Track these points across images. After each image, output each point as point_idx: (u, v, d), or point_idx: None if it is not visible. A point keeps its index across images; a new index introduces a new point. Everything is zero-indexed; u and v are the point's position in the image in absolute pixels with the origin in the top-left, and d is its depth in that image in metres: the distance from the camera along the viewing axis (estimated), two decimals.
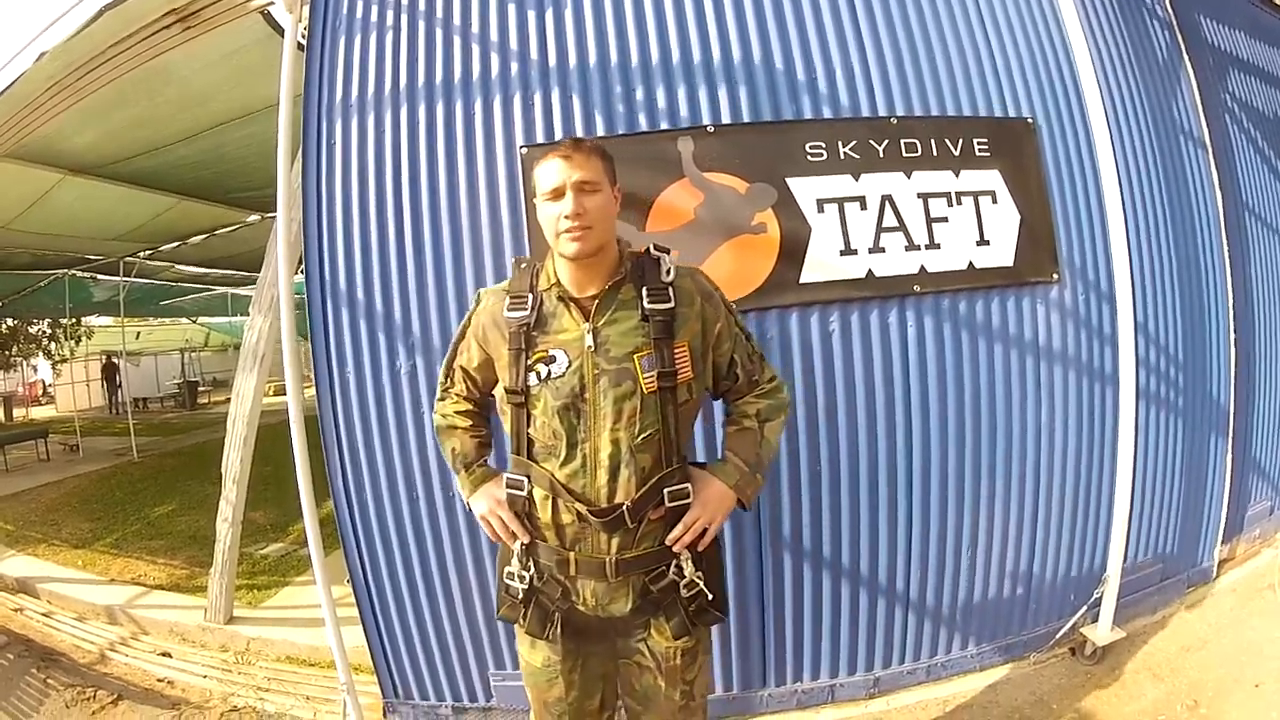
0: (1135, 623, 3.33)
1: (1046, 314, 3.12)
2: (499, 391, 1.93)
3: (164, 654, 4.16)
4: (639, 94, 2.89)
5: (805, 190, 2.87)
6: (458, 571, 3.00)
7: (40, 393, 23.51)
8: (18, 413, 19.57)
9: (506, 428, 1.91)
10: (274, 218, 3.13)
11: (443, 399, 2.11)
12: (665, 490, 1.81)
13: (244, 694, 3.65)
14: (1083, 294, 3.18)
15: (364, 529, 3.04)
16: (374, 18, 3.03)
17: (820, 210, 2.88)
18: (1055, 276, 3.13)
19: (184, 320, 19.85)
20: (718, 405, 2.23)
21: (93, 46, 3.85)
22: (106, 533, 6.64)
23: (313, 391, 3.04)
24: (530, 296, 1.86)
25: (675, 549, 1.83)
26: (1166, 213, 3.45)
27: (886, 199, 2.93)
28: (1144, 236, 3.36)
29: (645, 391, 1.78)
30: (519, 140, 2.87)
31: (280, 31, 3.41)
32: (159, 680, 3.87)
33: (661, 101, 2.90)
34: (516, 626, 1.99)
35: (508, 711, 3.10)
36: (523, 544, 1.89)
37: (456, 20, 2.97)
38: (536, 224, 2.74)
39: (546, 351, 1.81)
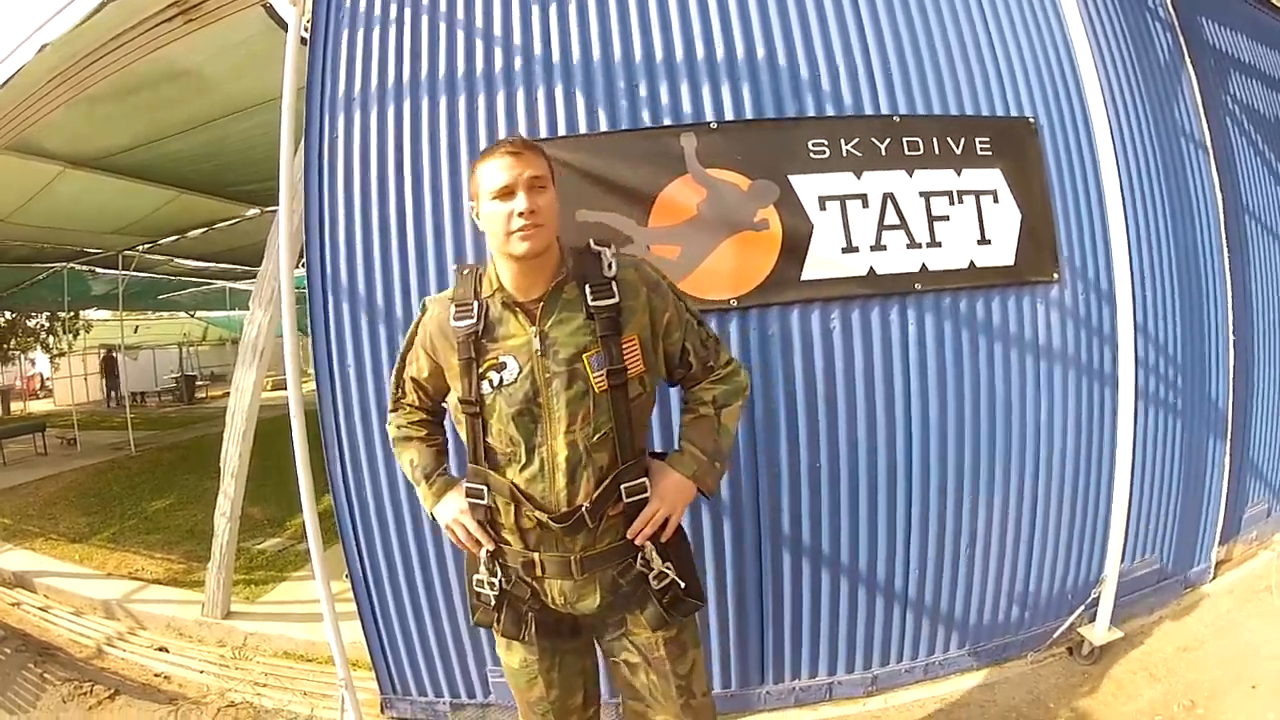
0: (1132, 623, 3.33)
1: (1047, 313, 3.12)
2: (452, 401, 1.91)
3: (161, 649, 4.15)
4: (642, 90, 2.89)
5: (807, 187, 2.87)
6: (456, 567, 2.99)
7: (38, 386, 23.49)
8: (15, 406, 19.56)
9: (463, 436, 1.89)
10: (274, 211, 3.13)
11: (395, 410, 2.10)
12: (622, 486, 1.81)
13: (241, 689, 3.65)
14: (1083, 294, 3.18)
15: (363, 524, 3.04)
16: (377, 11, 3.02)
17: (822, 208, 2.88)
18: (1056, 276, 3.13)
19: (182, 314, 19.80)
20: (674, 394, 2.21)
21: (94, 39, 3.85)
22: (104, 527, 6.63)
23: (312, 386, 3.04)
24: (476, 304, 1.83)
25: (636, 542, 1.83)
26: (1167, 214, 3.45)
27: (888, 197, 2.93)
28: (1144, 237, 3.36)
29: (597, 391, 1.77)
30: (522, 135, 2.86)
31: (282, 25, 3.41)
32: (156, 675, 3.87)
33: (665, 97, 2.89)
34: (494, 629, 1.99)
35: (505, 708, 3.09)
36: (488, 550, 1.89)
37: (460, 15, 2.97)
38: None
39: (497, 358, 1.79)
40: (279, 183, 2.94)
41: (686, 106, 2.89)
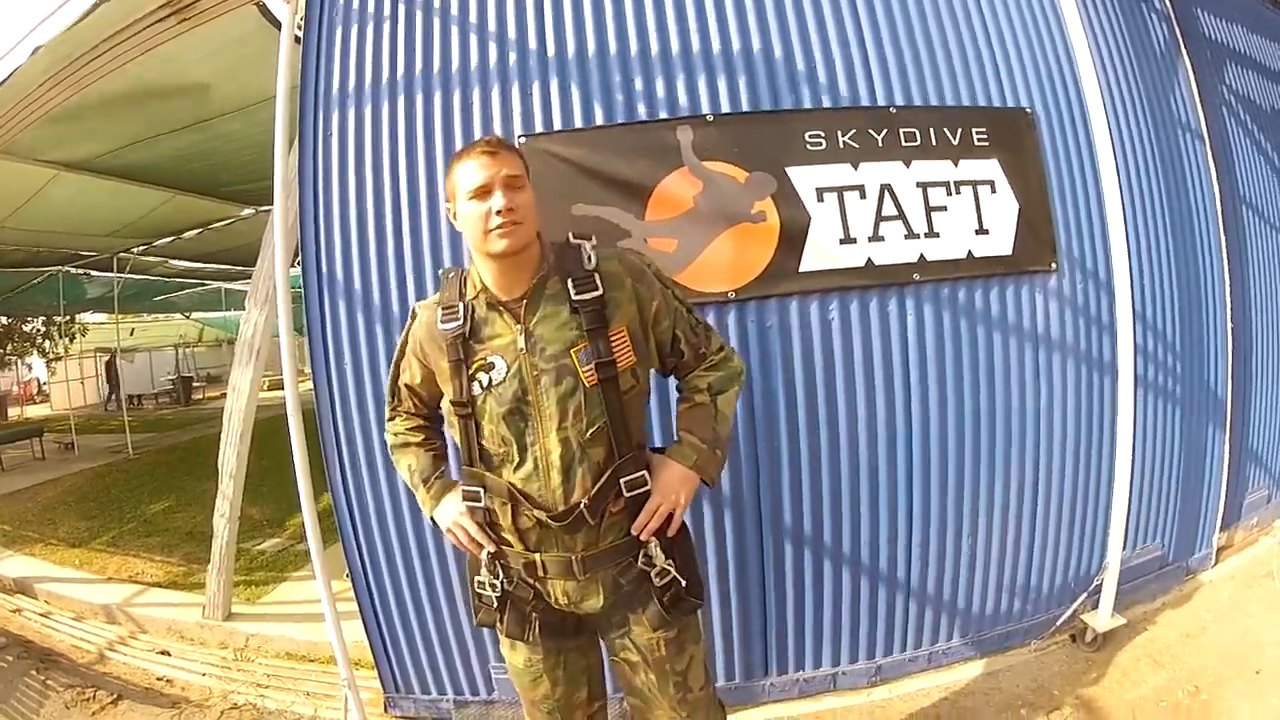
0: (1135, 610, 3.34)
1: (1045, 303, 3.12)
2: (445, 404, 1.91)
3: (163, 652, 4.14)
4: (638, 83, 2.88)
5: (805, 179, 2.86)
6: (457, 564, 2.98)
7: (35, 391, 23.43)
8: (12, 412, 19.52)
9: (456, 439, 1.89)
10: (269, 211, 3.12)
11: (392, 418, 2.10)
12: (621, 480, 1.79)
13: (244, 691, 3.64)
14: (1081, 283, 3.18)
15: (363, 522, 3.03)
16: (370, 8, 3.01)
17: (820, 199, 2.87)
18: (1054, 266, 3.13)
19: (178, 316, 19.77)
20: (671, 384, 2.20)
21: (87, 40, 3.83)
22: (103, 530, 6.62)
23: (309, 385, 3.03)
24: (461, 306, 1.83)
25: (642, 538, 1.82)
26: (1164, 203, 3.45)
27: (886, 188, 2.92)
28: (1142, 227, 3.36)
29: (587, 385, 1.76)
30: (518, 130, 2.86)
31: (275, 23, 3.40)
32: (158, 679, 3.86)
33: (661, 91, 2.88)
34: (497, 630, 1.98)
35: (509, 704, 3.09)
36: (489, 552, 1.88)
37: (454, 9, 2.95)
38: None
39: (485, 359, 1.79)
40: (274, 181, 2.93)
41: (682, 99, 2.88)
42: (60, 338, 16.37)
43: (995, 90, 3.14)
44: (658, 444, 2.09)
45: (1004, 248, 3.04)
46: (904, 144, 2.95)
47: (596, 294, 1.78)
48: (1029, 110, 3.17)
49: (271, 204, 2.98)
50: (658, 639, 1.90)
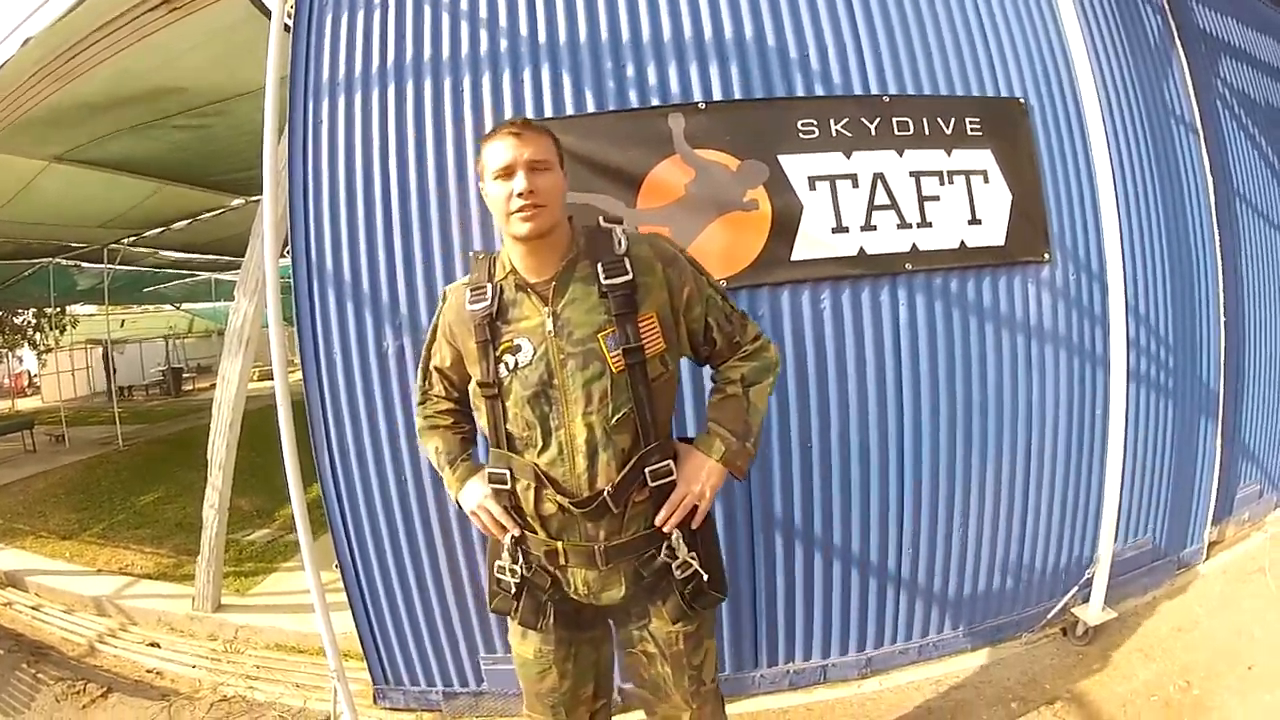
0: (1126, 603, 3.34)
1: (1038, 294, 3.12)
2: (472, 386, 1.89)
3: (153, 644, 4.12)
4: (630, 70, 2.86)
5: (797, 167, 2.85)
6: (447, 555, 2.98)
7: (25, 384, 23.34)
8: (3, 404, 19.43)
9: (481, 423, 1.88)
10: (259, 201, 3.09)
11: (423, 402, 2.08)
12: (646, 470, 1.77)
13: (233, 683, 3.62)
14: (1074, 274, 3.18)
15: (352, 513, 3.01)
16: None
17: (812, 188, 2.86)
18: (1046, 256, 3.12)
19: (167, 307, 19.70)
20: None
21: (77, 30, 3.80)
22: (94, 522, 6.60)
23: (299, 375, 3.01)
24: (490, 287, 1.81)
25: (665, 530, 1.80)
26: (1158, 195, 3.45)
27: (878, 177, 2.91)
28: (1135, 218, 3.36)
29: (614, 371, 1.74)
30: (508, 117, 2.83)
31: (265, 11, 3.37)
32: (148, 671, 3.84)
33: (652, 78, 2.86)
34: (509, 619, 1.97)
35: (498, 695, 3.08)
36: (513, 536, 1.86)
37: None
38: None
39: (512, 341, 1.78)
40: (263, 171, 2.90)
41: (674, 87, 2.86)
42: (51, 330, 16.29)
43: (989, 80, 3.13)
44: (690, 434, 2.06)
45: (997, 238, 3.03)
46: (897, 133, 2.94)
47: (627, 278, 1.76)
48: (1023, 100, 3.16)
49: (261, 193, 2.95)
50: (677, 632, 1.89)
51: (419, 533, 2.98)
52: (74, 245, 10.01)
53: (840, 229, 2.87)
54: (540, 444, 1.77)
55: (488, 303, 1.80)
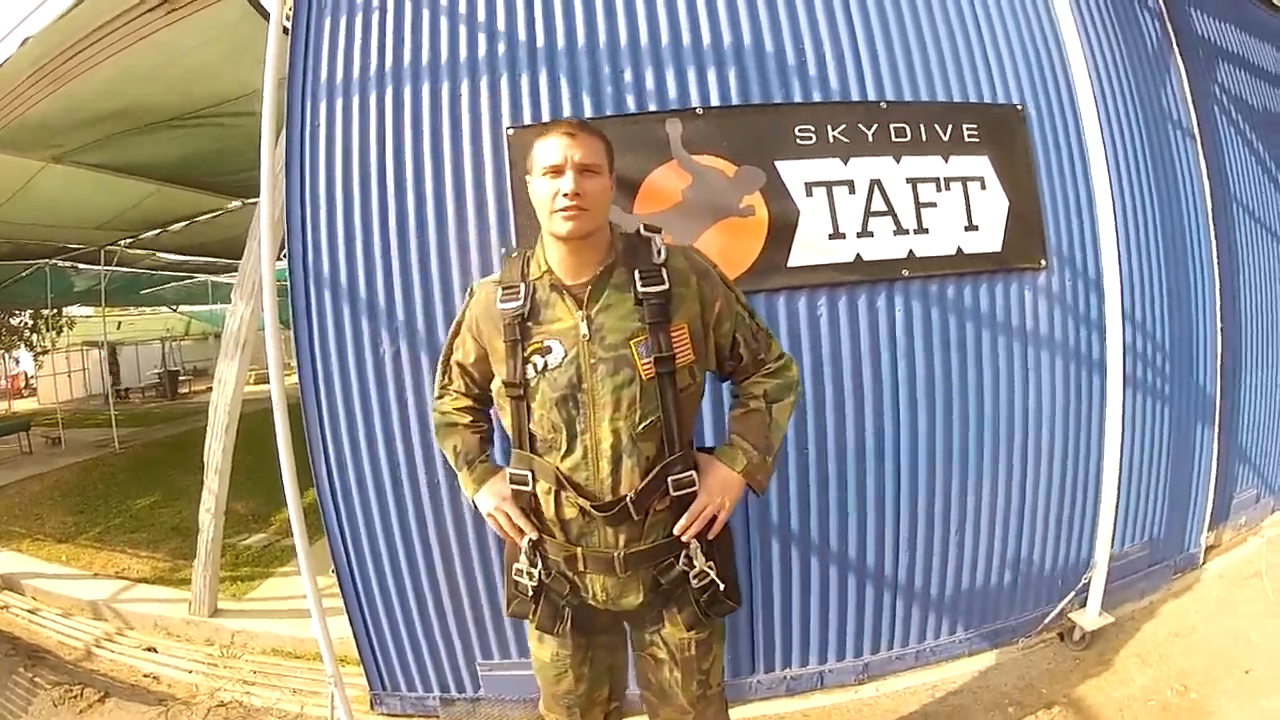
0: (1123, 608, 3.35)
1: (1034, 300, 3.12)
2: (496, 385, 1.89)
3: (149, 649, 4.11)
4: (627, 75, 2.86)
5: (794, 173, 2.85)
6: (444, 560, 2.97)
7: (22, 385, 23.29)
8: None
9: (505, 422, 1.87)
10: (256, 203, 3.09)
11: (441, 397, 2.07)
12: (669, 479, 1.77)
13: (230, 688, 3.61)
14: (1070, 281, 3.18)
15: (349, 517, 3.00)
16: None
17: (809, 193, 2.86)
18: (1043, 263, 3.13)
19: (164, 309, 19.66)
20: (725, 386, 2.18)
21: (76, 30, 3.79)
22: (90, 526, 6.57)
23: (295, 379, 3.00)
24: (522, 286, 1.81)
25: (684, 539, 1.80)
26: (1155, 201, 3.45)
27: (875, 183, 2.91)
28: (1132, 225, 3.37)
29: (644, 378, 1.74)
30: (506, 121, 2.84)
31: (263, 13, 3.36)
32: (145, 676, 3.83)
33: (650, 83, 2.86)
34: (526, 621, 1.97)
35: (495, 701, 3.08)
36: (530, 540, 1.86)
37: (443, 0, 2.92)
38: (522, 205, 2.74)
39: (542, 342, 1.77)
40: (260, 173, 2.90)
41: (671, 92, 2.86)
42: (47, 331, 16.25)
43: (986, 86, 3.13)
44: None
45: (993, 244, 3.04)
46: (894, 139, 2.94)
47: (663, 288, 1.76)
48: (1020, 106, 3.16)
49: (258, 196, 2.95)
50: (689, 639, 1.90)
51: (416, 538, 2.97)
52: (71, 246, 9.99)
53: (837, 235, 2.87)
54: (564, 447, 1.77)
55: (520, 302, 1.79)
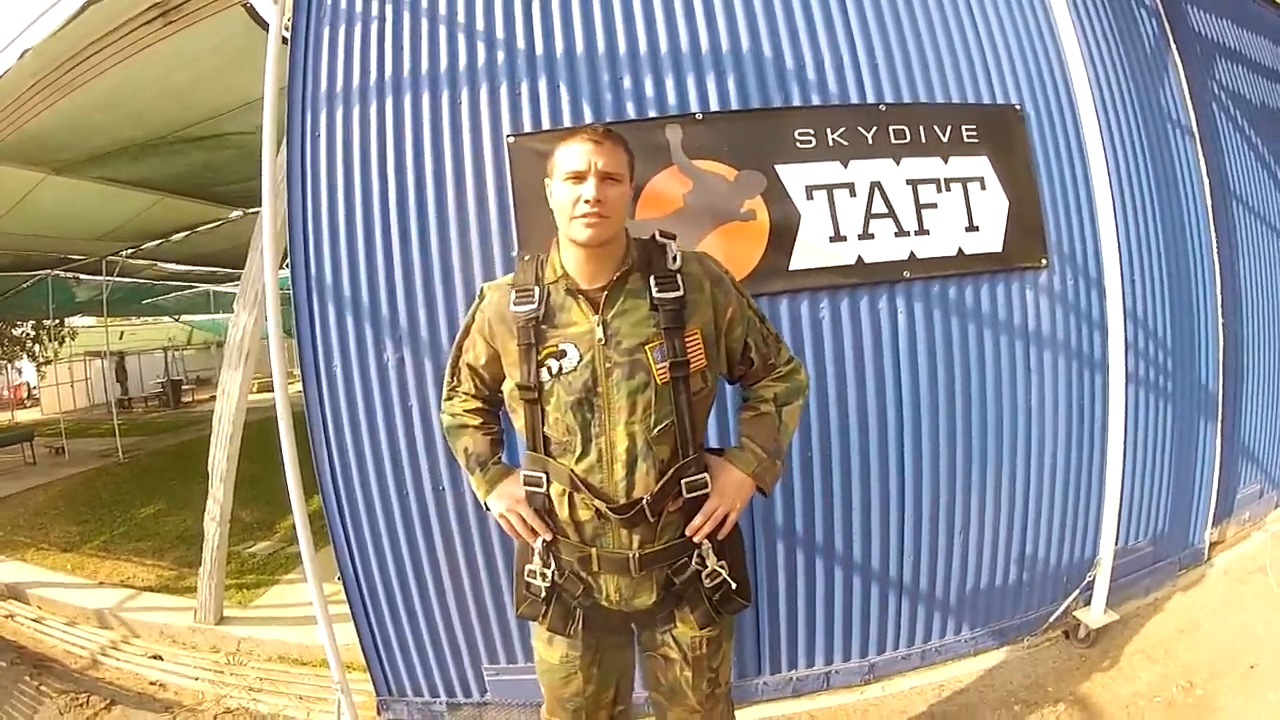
0: (1128, 605, 3.35)
1: (1036, 299, 3.12)
2: (508, 388, 1.89)
3: (155, 657, 4.12)
4: (627, 82, 2.87)
5: (794, 177, 2.86)
6: (449, 566, 2.98)
7: (25, 395, 23.30)
8: (2, 416, 19.41)
9: (519, 424, 1.88)
10: (257, 212, 3.10)
11: (450, 398, 2.07)
12: (682, 481, 1.79)
13: (237, 695, 3.62)
14: (1071, 280, 3.18)
15: (354, 524, 3.01)
16: (358, 8, 2.99)
17: (809, 197, 2.87)
18: (1044, 262, 3.13)
19: (166, 319, 19.70)
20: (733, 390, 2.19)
21: (75, 42, 3.80)
22: (94, 535, 6.59)
23: (299, 387, 3.01)
24: (537, 289, 1.82)
25: (696, 539, 1.82)
26: (1154, 199, 3.46)
27: (875, 185, 2.92)
28: (1132, 223, 3.37)
29: (659, 383, 1.76)
30: (506, 130, 2.85)
31: (262, 24, 3.38)
32: (151, 684, 3.83)
33: (649, 89, 2.87)
34: (533, 623, 1.98)
35: (502, 706, 3.08)
36: (544, 541, 1.87)
37: (441, 9, 2.94)
38: (524, 211, 2.75)
39: (556, 346, 1.78)
40: (261, 183, 2.91)
41: (671, 98, 2.88)
42: (50, 341, 16.27)
43: (985, 87, 3.14)
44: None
45: (994, 244, 3.04)
46: (894, 141, 2.96)
47: (678, 294, 1.79)
48: (1019, 107, 3.17)
49: (260, 206, 2.96)
50: (701, 638, 1.91)
51: (421, 543, 2.98)
52: (73, 257, 10.02)
53: (838, 238, 2.88)
54: (579, 450, 1.78)
55: (534, 305, 1.80)
